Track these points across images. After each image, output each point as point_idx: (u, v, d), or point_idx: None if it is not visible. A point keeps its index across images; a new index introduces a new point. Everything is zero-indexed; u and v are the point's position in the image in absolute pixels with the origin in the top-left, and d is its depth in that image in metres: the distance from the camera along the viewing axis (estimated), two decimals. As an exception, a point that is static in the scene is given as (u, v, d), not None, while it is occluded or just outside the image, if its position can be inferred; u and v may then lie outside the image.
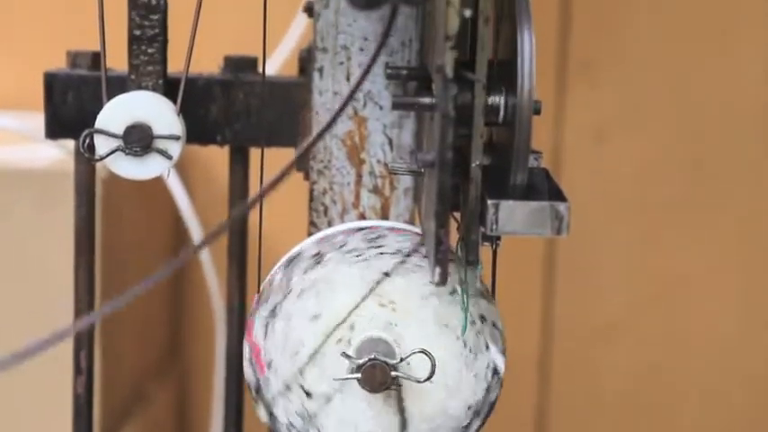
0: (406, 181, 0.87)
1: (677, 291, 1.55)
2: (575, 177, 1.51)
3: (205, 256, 1.30)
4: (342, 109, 0.83)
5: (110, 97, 0.81)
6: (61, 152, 1.15)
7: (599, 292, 1.56)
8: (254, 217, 0.83)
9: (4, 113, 1.30)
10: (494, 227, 0.66)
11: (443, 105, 0.64)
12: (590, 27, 1.51)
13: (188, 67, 0.84)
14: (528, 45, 0.65)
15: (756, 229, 1.54)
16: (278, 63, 1.23)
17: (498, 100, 0.68)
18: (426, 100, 0.70)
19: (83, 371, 0.90)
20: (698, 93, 1.52)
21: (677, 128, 1.52)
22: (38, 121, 0.94)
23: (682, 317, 1.56)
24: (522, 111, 0.66)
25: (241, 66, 0.92)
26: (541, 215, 0.66)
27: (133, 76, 0.84)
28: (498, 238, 0.70)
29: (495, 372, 0.74)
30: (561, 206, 0.66)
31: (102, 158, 0.79)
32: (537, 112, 0.68)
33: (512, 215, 0.66)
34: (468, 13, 0.63)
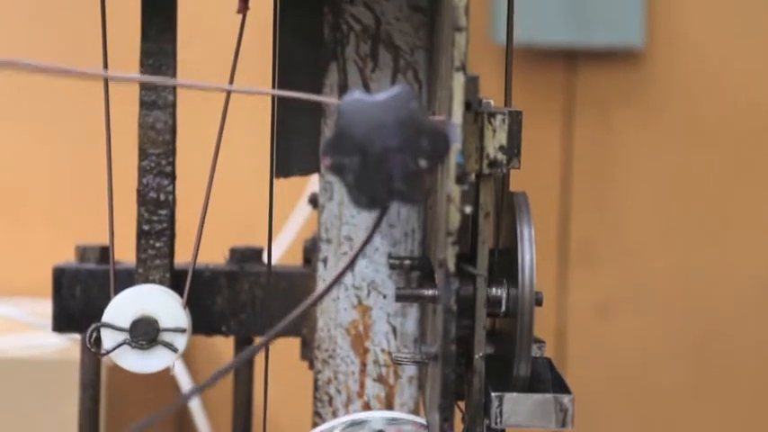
0: (410, 369, 0.88)
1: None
2: (578, 354, 1.51)
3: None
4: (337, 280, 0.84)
5: (117, 290, 0.82)
6: (67, 340, 1.15)
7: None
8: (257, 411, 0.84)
9: (13, 301, 1.32)
10: (498, 420, 0.66)
11: (446, 300, 0.65)
12: (590, 209, 1.54)
13: (195, 260, 0.85)
14: (528, 239, 0.67)
15: (761, 413, 1.53)
16: (281, 250, 1.25)
17: (500, 292, 0.69)
18: (429, 292, 0.71)
19: None
20: (698, 274, 1.53)
21: (679, 307, 1.53)
22: (45, 307, 0.95)
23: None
24: (523, 304, 0.67)
25: (246, 256, 0.93)
26: (546, 407, 0.66)
27: (141, 270, 0.85)
28: (503, 430, 0.70)
29: None
30: (565, 398, 0.66)
31: (108, 353, 0.80)
32: (539, 303, 0.69)
33: (516, 407, 0.66)
34: (468, 209, 0.64)
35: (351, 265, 0.80)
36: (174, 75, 0.85)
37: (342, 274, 0.61)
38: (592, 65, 1.61)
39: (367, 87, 0.88)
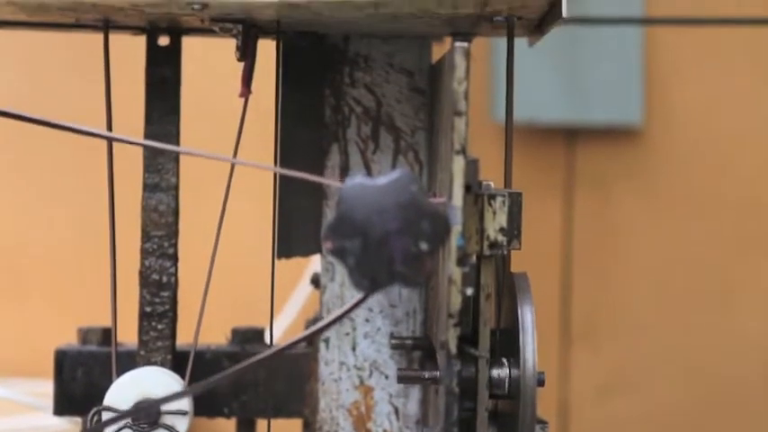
0: (413, 450, 0.87)
1: None
2: (582, 434, 1.50)
3: None
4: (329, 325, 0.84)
5: (119, 372, 0.82)
6: (68, 423, 1.15)
7: None
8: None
9: (14, 382, 1.31)
10: (502, 502, 0.66)
11: (448, 381, 0.64)
12: (592, 285, 1.54)
13: (196, 342, 0.85)
14: (529, 323, 0.67)
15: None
16: (282, 330, 1.25)
17: (502, 374, 0.69)
18: (431, 374, 0.71)
19: None
20: (701, 349, 1.53)
21: (682, 384, 1.53)
22: (46, 388, 0.95)
23: None
24: (526, 385, 0.67)
25: (248, 337, 0.93)
26: (549, 490, 0.66)
27: (142, 352, 0.85)
28: None
29: None
30: (569, 481, 0.66)
31: (110, 436, 0.80)
32: (541, 383, 0.69)
33: (519, 490, 0.66)
34: (470, 291, 0.65)
35: (329, 325, 0.80)
36: (177, 157, 0.86)
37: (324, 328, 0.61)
38: (591, 142, 1.63)
39: (368, 169, 0.89)
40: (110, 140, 0.81)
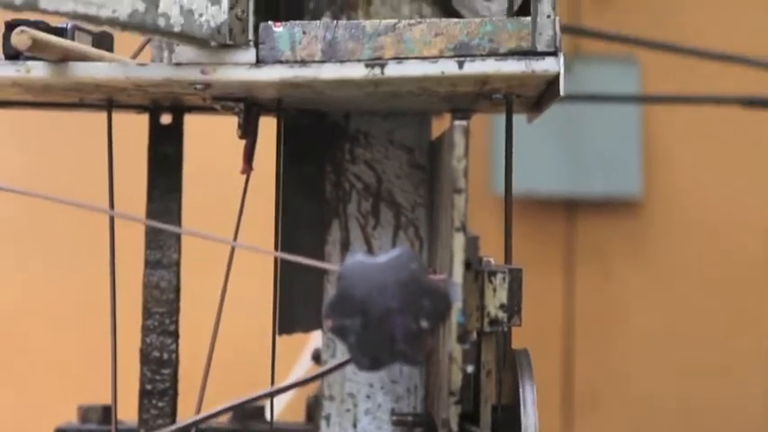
0: None
1: None
2: None
3: None
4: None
5: (119, 452, 0.82)
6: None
7: None
8: None
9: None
10: None
11: (449, 459, 0.64)
12: (593, 357, 1.53)
13: (197, 420, 0.85)
14: (530, 400, 0.67)
15: None
16: (282, 406, 1.25)
17: (504, 451, 0.69)
18: (432, 451, 0.70)
19: None
20: (703, 417, 1.52)
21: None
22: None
23: None
24: (527, 463, 0.67)
25: (249, 414, 0.93)
26: None
27: (143, 430, 0.85)
28: None
29: None
30: None
31: None
32: (543, 460, 0.68)
33: None
34: (470, 368, 0.65)
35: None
36: (178, 234, 0.87)
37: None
38: (591, 214, 1.63)
39: (369, 244, 0.89)
40: (112, 217, 0.82)
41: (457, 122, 0.64)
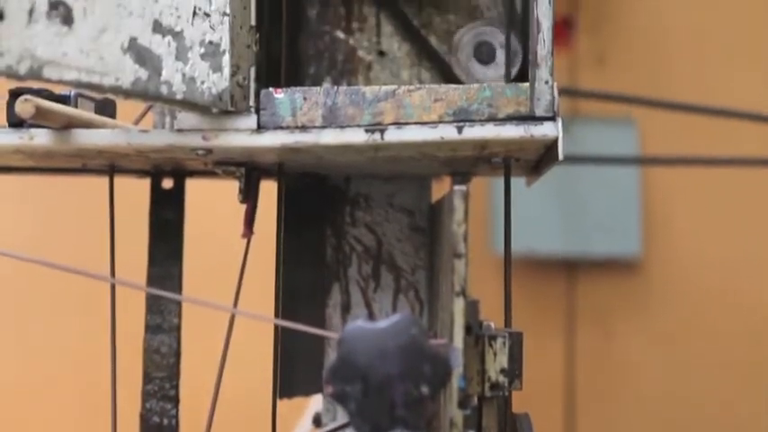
0: None
1: None
2: None
3: None
4: None
5: None
6: None
7: None
8: None
9: None
10: None
11: None
12: (595, 420, 1.52)
13: (197, 485, 0.84)
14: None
15: None
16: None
17: None
18: None
19: None
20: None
21: None
22: None
23: None
24: None
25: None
26: None
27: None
28: None
29: None
30: None
31: None
32: None
33: None
34: (471, 434, 0.64)
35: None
36: (179, 301, 0.87)
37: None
38: (591, 274, 1.63)
39: (369, 307, 0.89)
40: (113, 284, 0.82)
41: (456, 187, 0.64)
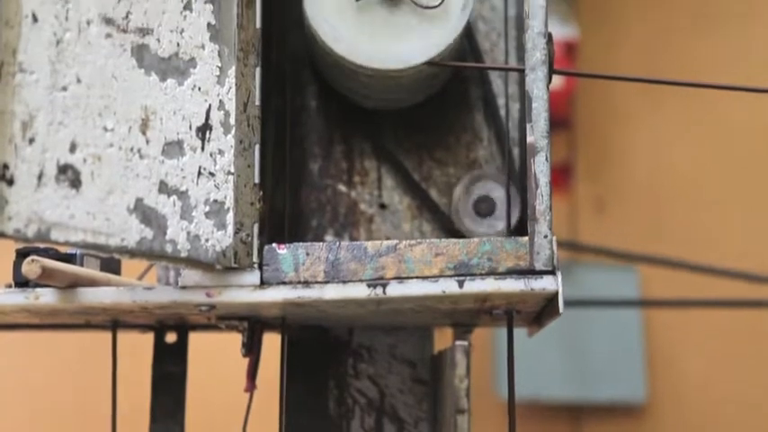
0: None
1: None
2: None
3: None
4: None
5: None
6: None
7: None
8: None
9: None
10: None
11: None
12: None
13: None
14: None
15: None
16: None
17: None
18: None
19: None
20: None
21: None
22: None
23: None
24: None
25: None
26: None
27: None
28: None
29: None
30: None
31: None
32: None
33: None
34: None
35: None
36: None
37: None
38: (596, 419, 1.62)
39: (373, 463, 0.89)
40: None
41: (458, 342, 0.65)
